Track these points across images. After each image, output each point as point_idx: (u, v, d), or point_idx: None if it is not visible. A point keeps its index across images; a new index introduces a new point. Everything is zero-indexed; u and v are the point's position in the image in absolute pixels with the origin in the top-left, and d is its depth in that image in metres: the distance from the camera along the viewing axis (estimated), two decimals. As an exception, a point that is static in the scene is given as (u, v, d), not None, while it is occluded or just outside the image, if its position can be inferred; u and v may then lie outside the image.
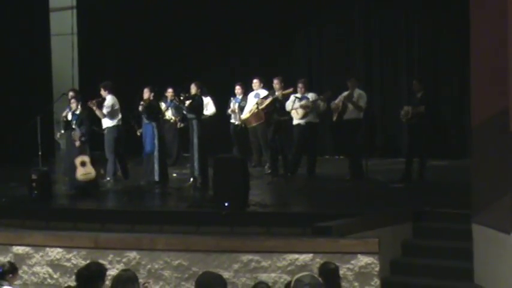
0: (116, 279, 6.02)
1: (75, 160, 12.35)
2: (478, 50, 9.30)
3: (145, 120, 13.41)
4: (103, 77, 17.35)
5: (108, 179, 13.67)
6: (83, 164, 12.28)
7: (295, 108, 13.49)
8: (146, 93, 13.52)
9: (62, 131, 13.33)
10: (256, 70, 15.37)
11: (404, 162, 12.97)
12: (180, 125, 15.33)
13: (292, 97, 13.59)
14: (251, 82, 14.75)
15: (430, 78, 15.76)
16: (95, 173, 12.37)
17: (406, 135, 13.92)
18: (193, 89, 13.90)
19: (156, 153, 13.20)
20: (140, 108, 13.42)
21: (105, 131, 13.81)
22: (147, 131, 13.36)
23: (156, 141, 13.22)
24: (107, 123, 13.82)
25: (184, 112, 13.64)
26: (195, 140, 13.14)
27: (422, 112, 12.60)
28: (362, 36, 16.72)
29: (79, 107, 12.91)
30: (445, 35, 15.77)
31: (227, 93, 15.29)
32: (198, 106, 13.38)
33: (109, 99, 13.82)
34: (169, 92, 15.12)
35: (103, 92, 13.92)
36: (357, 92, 13.32)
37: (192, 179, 13.05)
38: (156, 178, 13.13)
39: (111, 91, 13.91)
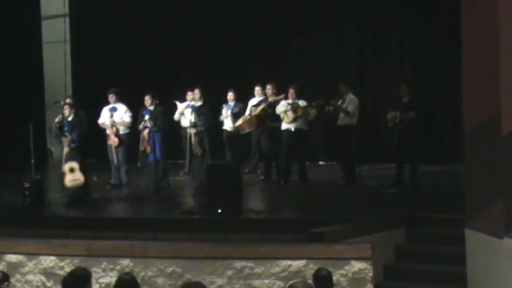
0: (118, 282, 6.00)
1: (64, 166, 12.29)
2: (470, 54, 9.32)
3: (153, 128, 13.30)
4: (96, 84, 17.37)
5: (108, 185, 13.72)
6: (72, 170, 12.19)
7: (286, 111, 13.44)
8: (148, 101, 13.46)
9: (54, 138, 13.22)
10: (249, 77, 15.35)
11: (395, 167, 12.99)
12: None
13: (283, 102, 13.59)
14: (243, 88, 14.73)
15: (423, 84, 15.81)
16: (83, 179, 12.25)
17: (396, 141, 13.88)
18: (197, 95, 13.95)
19: (161, 161, 13.20)
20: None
21: (122, 139, 13.80)
22: (155, 138, 13.23)
23: (161, 149, 13.19)
24: (123, 131, 13.83)
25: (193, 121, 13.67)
26: (206, 147, 13.29)
27: (413, 118, 12.60)
28: (354, 43, 16.73)
29: (71, 114, 12.86)
30: (437, 40, 15.81)
31: (220, 100, 15.26)
32: (207, 115, 13.52)
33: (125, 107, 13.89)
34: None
35: (113, 99, 13.91)
36: (349, 97, 13.33)
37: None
38: (160, 185, 13.11)
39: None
